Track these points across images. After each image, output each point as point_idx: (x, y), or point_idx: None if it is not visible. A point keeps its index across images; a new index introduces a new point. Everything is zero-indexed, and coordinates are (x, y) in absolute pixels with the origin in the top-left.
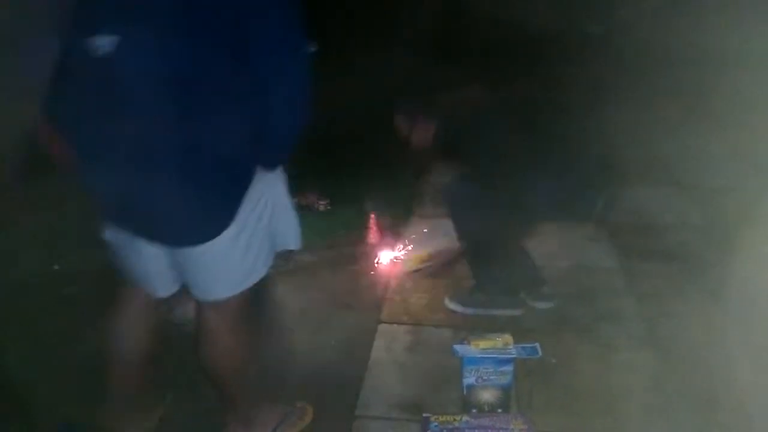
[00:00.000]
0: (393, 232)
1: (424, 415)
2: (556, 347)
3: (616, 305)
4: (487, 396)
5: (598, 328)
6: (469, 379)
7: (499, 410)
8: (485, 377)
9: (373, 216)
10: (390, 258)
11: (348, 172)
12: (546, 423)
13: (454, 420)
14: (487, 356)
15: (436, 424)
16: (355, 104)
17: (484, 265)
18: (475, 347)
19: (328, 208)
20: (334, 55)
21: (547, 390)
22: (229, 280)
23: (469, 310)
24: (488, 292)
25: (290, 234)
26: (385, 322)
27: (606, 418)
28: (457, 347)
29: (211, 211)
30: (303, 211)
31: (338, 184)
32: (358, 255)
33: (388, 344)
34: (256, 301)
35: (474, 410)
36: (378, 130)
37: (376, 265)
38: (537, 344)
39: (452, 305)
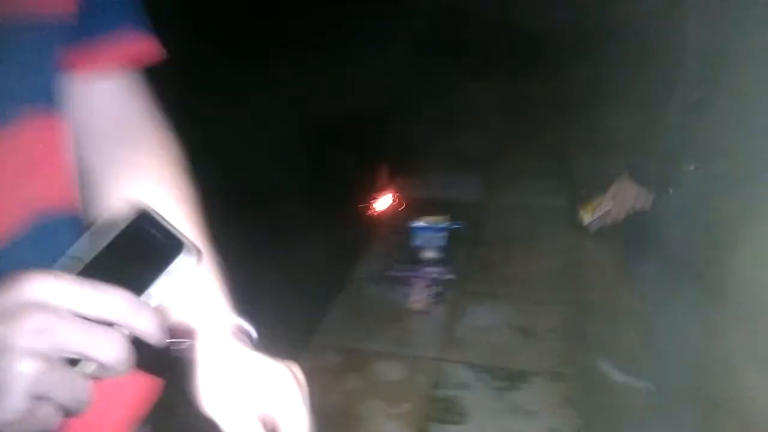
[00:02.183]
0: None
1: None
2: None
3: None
4: (429, 253)
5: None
6: (418, 241)
7: (438, 264)
8: (427, 240)
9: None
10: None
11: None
12: (473, 285)
13: (407, 267)
14: (429, 226)
15: (396, 268)
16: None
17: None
18: (423, 221)
19: None
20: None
21: (483, 271)
22: None
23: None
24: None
25: None
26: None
27: (517, 289)
28: (413, 224)
29: None
30: None
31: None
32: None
33: (379, 245)
34: None
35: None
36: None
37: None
38: (462, 223)
39: (617, 375)
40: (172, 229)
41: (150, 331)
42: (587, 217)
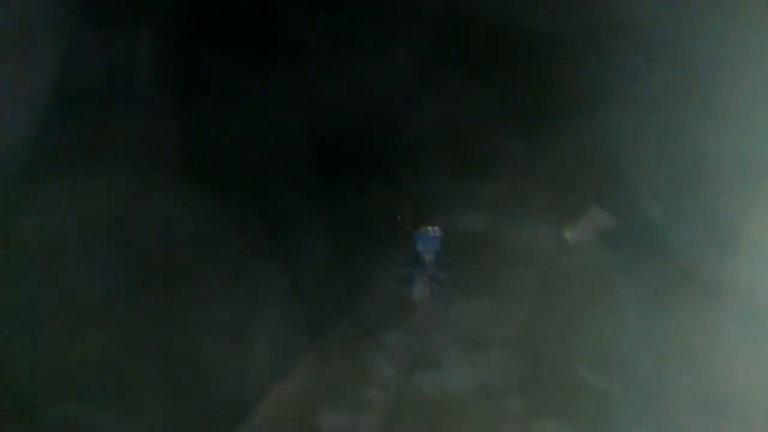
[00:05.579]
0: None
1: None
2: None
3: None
4: (428, 256)
5: None
6: (419, 246)
7: (434, 265)
8: (426, 244)
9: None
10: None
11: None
12: (464, 285)
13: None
14: (427, 234)
15: (404, 269)
16: None
17: None
18: (423, 230)
19: None
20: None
21: (472, 278)
22: None
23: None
24: None
25: None
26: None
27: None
28: (416, 232)
29: None
30: None
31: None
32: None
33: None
34: None
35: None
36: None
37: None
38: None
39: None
40: None
41: None
42: (568, 234)
